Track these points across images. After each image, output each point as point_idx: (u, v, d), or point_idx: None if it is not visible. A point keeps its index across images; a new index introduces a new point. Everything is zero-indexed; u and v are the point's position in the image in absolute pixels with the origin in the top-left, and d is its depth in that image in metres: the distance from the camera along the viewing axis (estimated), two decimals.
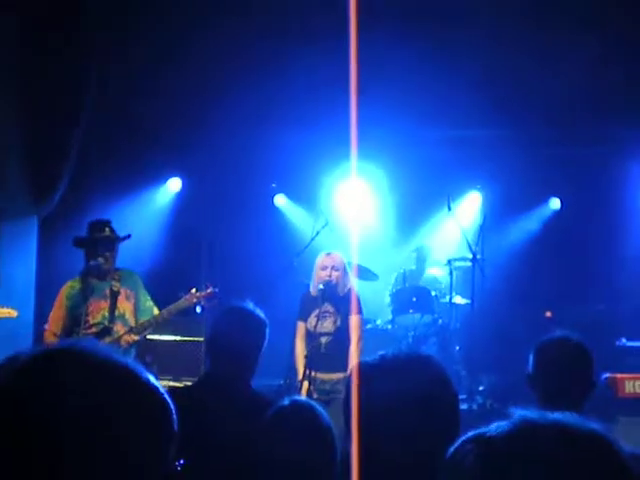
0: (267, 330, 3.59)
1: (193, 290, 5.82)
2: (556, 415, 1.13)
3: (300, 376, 5.96)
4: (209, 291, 5.84)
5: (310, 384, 5.81)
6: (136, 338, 5.69)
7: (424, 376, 1.74)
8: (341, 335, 6.02)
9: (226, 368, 3.49)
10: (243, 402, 3.33)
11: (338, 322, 6.07)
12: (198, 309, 6.67)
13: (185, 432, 3.08)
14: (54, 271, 7.24)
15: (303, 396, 5.24)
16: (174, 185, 10.40)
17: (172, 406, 1.28)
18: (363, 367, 1.82)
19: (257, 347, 3.56)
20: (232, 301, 3.69)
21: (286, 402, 2.61)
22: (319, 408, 2.62)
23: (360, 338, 6.00)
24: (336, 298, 6.12)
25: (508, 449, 1.10)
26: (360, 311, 6.16)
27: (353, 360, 5.72)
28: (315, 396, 5.60)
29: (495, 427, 1.13)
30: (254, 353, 3.56)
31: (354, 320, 6.04)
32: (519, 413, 1.14)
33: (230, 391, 3.44)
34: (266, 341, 3.58)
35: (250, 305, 3.61)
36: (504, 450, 1.10)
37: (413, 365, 1.78)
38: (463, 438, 1.15)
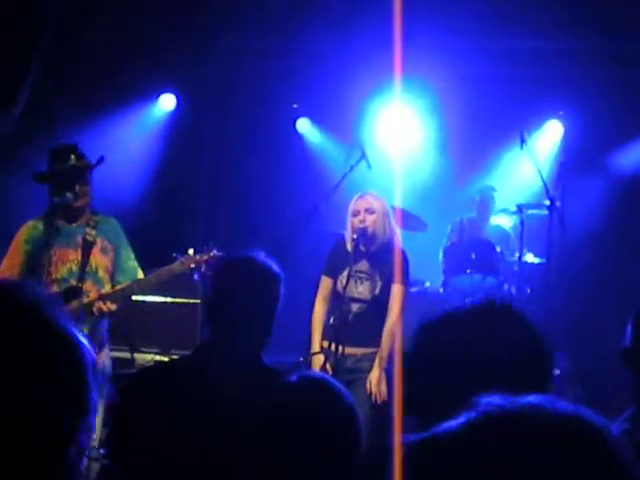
0: (281, 287, 3.26)
1: (190, 251, 5.31)
2: (528, 399, 1.04)
3: (315, 347, 5.65)
4: (212, 254, 5.28)
5: (327, 358, 5.48)
6: (113, 307, 5.14)
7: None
8: (378, 306, 5.62)
9: (230, 336, 3.21)
10: (251, 379, 2.98)
11: (377, 289, 5.64)
12: (195, 276, 6.27)
13: (177, 413, 3.01)
14: (11, 206, 6.99)
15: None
16: (166, 103, 9.55)
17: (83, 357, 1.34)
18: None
19: (269, 309, 3.25)
20: (236, 251, 3.45)
21: (294, 378, 2.37)
22: (338, 385, 2.39)
23: (401, 312, 5.65)
24: (373, 252, 5.70)
25: (459, 454, 1.03)
26: (405, 280, 5.76)
27: (386, 336, 5.48)
28: (332, 374, 5.20)
29: (448, 425, 1.07)
30: (265, 317, 3.25)
31: (396, 290, 5.61)
32: (483, 401, 1.05)
33: (235, 365, 3.12)
34: (280, 301, 3.25)
35: (260, 255, 3.28)
36: (454, 455, 1.04)
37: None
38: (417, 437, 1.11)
